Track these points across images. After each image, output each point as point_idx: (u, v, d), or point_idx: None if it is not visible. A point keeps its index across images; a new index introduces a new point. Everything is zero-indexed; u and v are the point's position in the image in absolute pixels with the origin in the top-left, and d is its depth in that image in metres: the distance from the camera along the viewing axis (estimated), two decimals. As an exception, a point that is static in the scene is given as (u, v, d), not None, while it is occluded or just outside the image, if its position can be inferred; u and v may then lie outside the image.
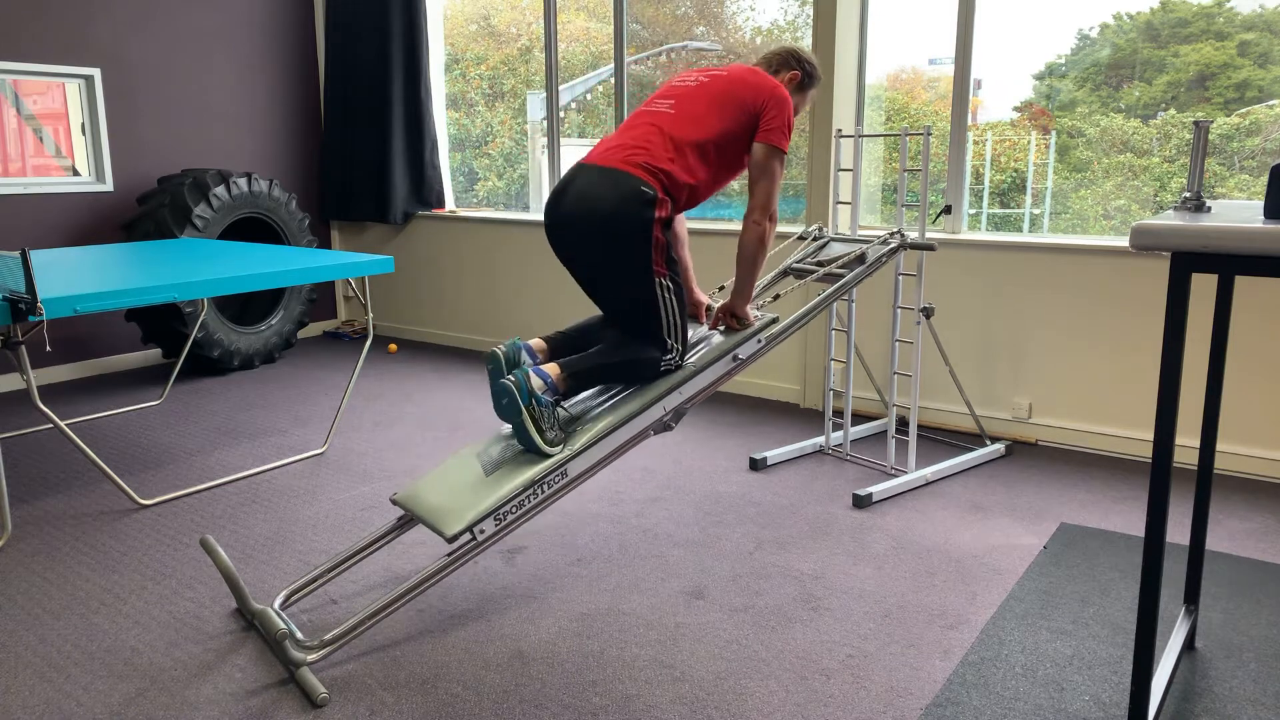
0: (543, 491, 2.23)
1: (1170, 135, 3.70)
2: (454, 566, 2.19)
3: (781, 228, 4.35)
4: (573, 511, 3.08)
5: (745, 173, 2.52)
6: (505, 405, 2.25)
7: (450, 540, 2.12)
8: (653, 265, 2.33)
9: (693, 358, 2.52)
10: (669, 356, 2.43)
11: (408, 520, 2.43)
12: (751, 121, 2.43)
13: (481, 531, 2.15)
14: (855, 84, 4.15)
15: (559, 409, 2.40)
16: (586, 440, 2.28)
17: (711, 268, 4.55)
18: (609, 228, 2.29)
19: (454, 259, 5.66)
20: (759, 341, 2.60)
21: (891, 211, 4.29)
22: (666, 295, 2.38)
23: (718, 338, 2.59)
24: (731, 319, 2.61)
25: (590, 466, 2.30)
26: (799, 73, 2.65)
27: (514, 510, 2.19)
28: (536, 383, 2.28)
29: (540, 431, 2.25)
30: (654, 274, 2.34)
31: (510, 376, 2.26)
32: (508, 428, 2.45)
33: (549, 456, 2.26)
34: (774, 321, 2.63)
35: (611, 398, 2.45)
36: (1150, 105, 3.73)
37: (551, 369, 2.33)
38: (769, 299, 3.04)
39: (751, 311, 2.62)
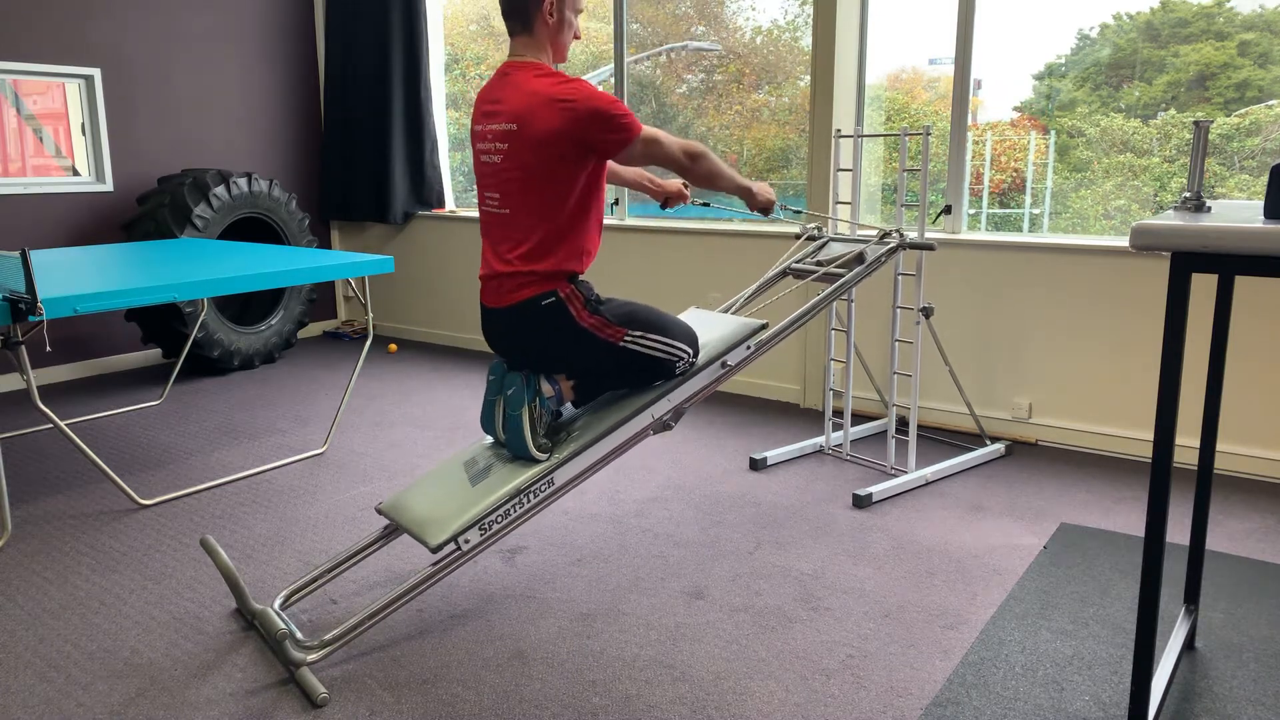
0: (529, 500, 2.21)
1: (1170, 135, 3.70)
2: (453, 567, 2.19)
3: (781, 227, 4.35)
4: (573, 511, 3.08)
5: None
6: (511, 396, 2.25)
7: (434, 550, 2.11)
8: (602, 338, 2.29)
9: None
10: (681, 362, 2.41)
11: (393, 530, 2.42)
12: (576, 147, 2.16)
13: (466, 541, 2.13)
14: (855, 84, 4.15)
15: (556, 416, 2.39)
16: (574, 448, 2.26)
17: (712, 267, 4.55)
18: (547, 352, 2.30)
19: (454, 259, 5.66)
20: (747, 348, 2.56)
21: (891, 211, 4.29)
22: (636, 341, 2.32)
23: (719, 334, 2.59)
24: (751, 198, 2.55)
25: (577, 475, 2.28)
26: None
27: (499, 520, 2.17)
28: (545, 386, 2.29)
29: (533, 433, 2.25)
30: (608, 340, 2.29)
31: (521, 374, 2.28)
32: (489, 439, 2.44)
33: (536, 463, 2.24)
34: (763, 328, 2.60)
35: (599, 404, 2.44)
36: (1150, 105, 3.73)
37: (561, 379, 2.35)
38: (766, 303, 3.05)
39: (755, 186, 2.54)
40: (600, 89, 2.21)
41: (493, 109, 2.26)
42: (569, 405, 2.47)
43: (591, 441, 2.28)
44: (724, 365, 2.51)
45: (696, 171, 2.36)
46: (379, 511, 2.35)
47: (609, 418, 2.33)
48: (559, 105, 2.13)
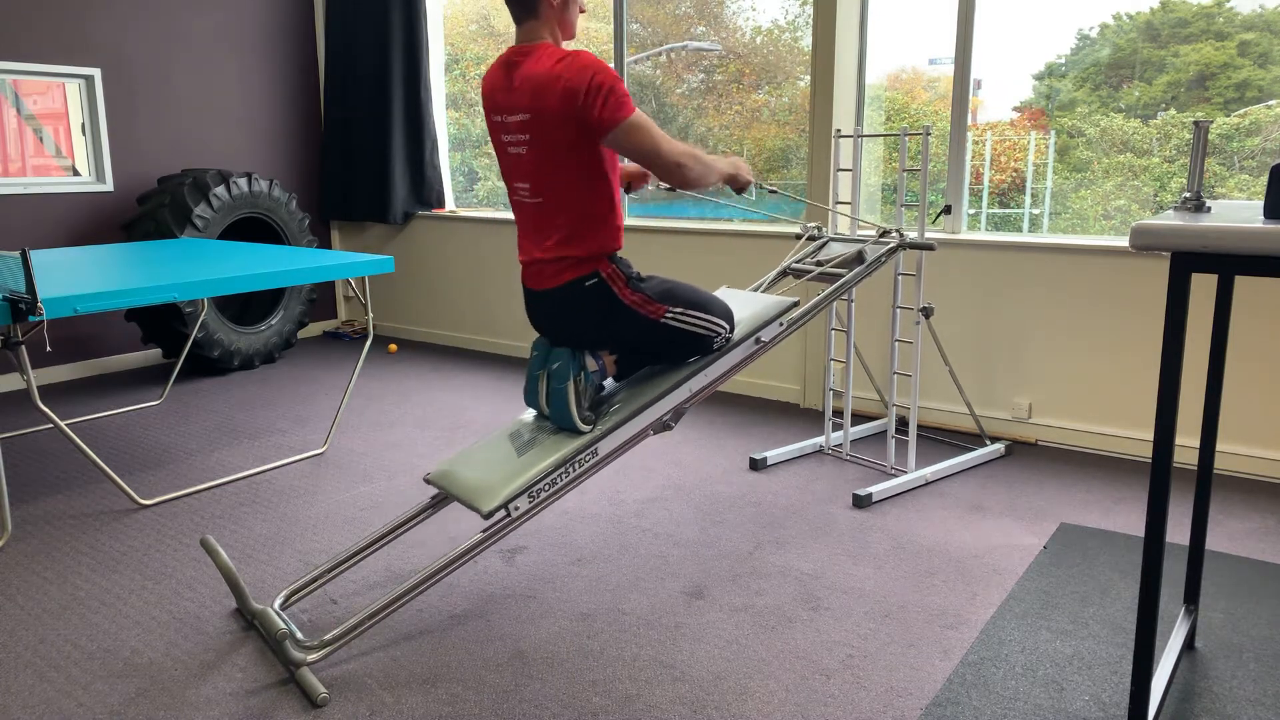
0: (574, 469, 2.27)
1: (1170, 135, 3.70)
2: (454, 566, 2.19)
3: (781, 227, 4.35)
4: (573, 511, 3.08)
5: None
6: (557, 370, 2.30)
7: (486, 517, 2.16)
8: (644, 315, 2.33)
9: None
10: (718, 337, 2.46)
11: (442, 499, 2.46)
12: (580, 126, 2.15)
13: (516, 508, 2.19)
14: (855, 84, 4.15)
15: (599, 390, 2.45)
16: (616, 420, 2.33)
17: (712, 267, 4.55)
18: (591, 331, 2.34)
19: (454, 259, 5.66)
20: (780, 325, 2.63)
21: (891, 211, 4.29)
22: (677, 318, 2.37)
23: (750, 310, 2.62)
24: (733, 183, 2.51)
25: (619, 446, 2.34)
26: None
27: (547, 488, 2.23)
28: (590, 361, 2.35)
29: (579, 405, 2.30)
30: (650, 317, 2.34)
31: (566, 349, 2.33)
32: (531, 413, 2.50)
33: (580, 434, 2.30)
34: (795, 305, 2.66)
35: (636, 379, 2.51)
36: (1150, 105, 3.73)
37: (604, 354, 2.40)
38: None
39: (739, 164, 2.49)
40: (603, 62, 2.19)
41: (507, 101, 2.25)
42: (610, 380, 2.52)
43: (633, 413, 2.35)
44: (758, 341, 2.58)
45: (682, 179, 2.26)
46: (428, 481, 2.38)
47: (649, 391, 2.40)
48: (559, 85, 2.12)
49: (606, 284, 2.29)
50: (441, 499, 2.46)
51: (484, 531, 2.21)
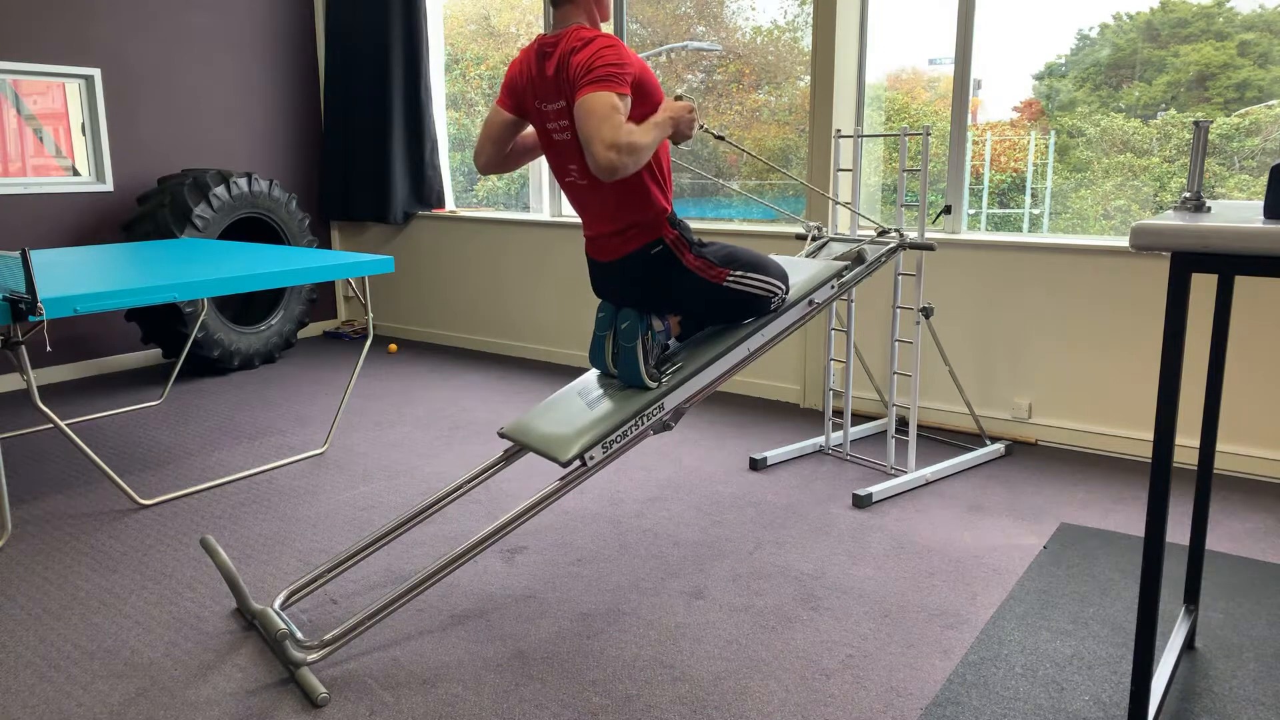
0: (643, 422, 2.36)
1: (1170, 135, 3.70)
2: (454, 566, 2.19)
3: (782, 227, 4.35)
4: (573, 511, 3.08)
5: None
6: (625, 329, 2.39)
7: (564, 465, 2.24)
8: (708, 279, 2.42)
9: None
10: (775, 298, 2.56)
11: (516, 451, 2.54)
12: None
13: (591, 458, 2.28)
14: (855, 84, 4.15)
15: (664, 349, 2.52)
16: (682, 376, 2.42)
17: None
18: (656, 295, 2.42)
19: (454, 259, 5.66)
20: (831, 287, 2.76)
21: (892, 211, 4.29)
22: (738, 280, 2.45)
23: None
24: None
25: (685, 400, 2.43)
26: None
27: (619, 439, 2.32)
28: (655, 321, 2.43)
29: (646, 362, 2.39)
30: (713, 281, 2.42)
31: (633, 310, 2.41)
32: (595, 373, 2.60)
33: (648, 390, 2.38)
34: (845, 269, 2.79)
35: (697, 339, 2.60)
36: (1150, 105, 3.73)
37: (669, 315, 2.50)
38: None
39: (676, 109, 2.32)
40: (626, 50, 2.21)
41: (544, 89, 2.29)
42: (673, 340, 2.61)
43: (697, 370, 2.45)
44: (811, 303, 2.70)
45: (607, 175, 2.07)
46: (502, 434, 2.47)
47: (710, 350, 2.50)
48: (573, 70, 2.18)
49: (671, 250, 2.37)
50: (516, 451, 2.55)
51: (561, 479, 2.30)
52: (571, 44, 2.22)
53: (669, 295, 2.42)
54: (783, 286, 2.56)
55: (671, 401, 2.41)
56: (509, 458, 2.56)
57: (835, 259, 3.20)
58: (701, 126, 2.50)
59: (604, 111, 2.06)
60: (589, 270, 2.53)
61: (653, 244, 2.36)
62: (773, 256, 2.90)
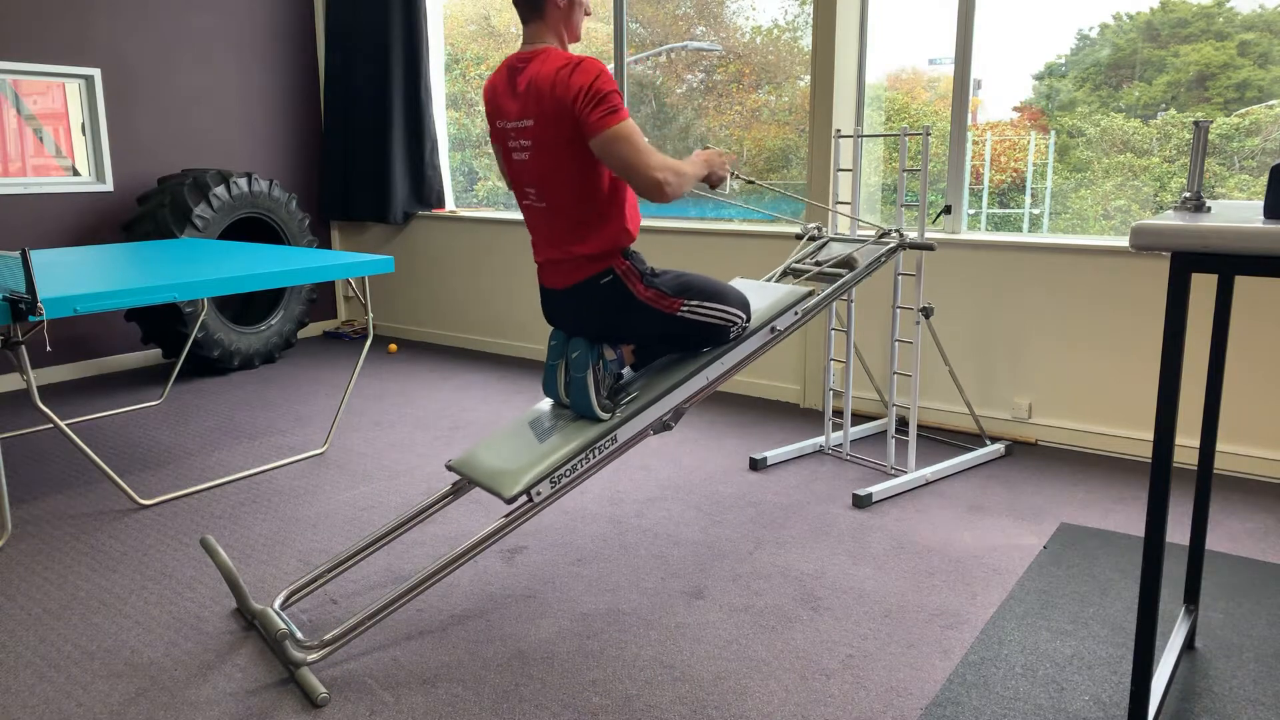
0: (594, 455, 2.31)
1: (1170, 135, 3.70)
2: (454, 566, 2.19)
3: (782, 227, 4.35)
4: (573, 511, 3.08)
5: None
6: (576, 359, 2.33)
7: (509, 501, 2.18)
8: (660, 309, 2.36)
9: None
10: (734, 327, 2.49)
11: (463, 486, 2.48)
12: (574, 126, 2.15)
13: (538, 493, 2.22)
14: (855, 84, 4.15)
15: (618, 379, 2.48)
16: (635, 407, 2.37)
17: (713, 267, 4.55)
18: (607, 326, 2.36)
19: (454, 259, 5.66)
20: (795, 314, 2.66)
21: (892, 211, 4.29)
22: (693, 310, 2.39)
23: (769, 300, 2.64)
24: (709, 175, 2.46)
25: (638, 433, 2.38)
26: None
27: (568, 474, 2.26)
28: (608, 350, 2.38)
29: (598, 393, 2.33)
30: (666, 311, 2.36)
31: (583, 339, 2.36)
32: (549, 402, 2.53)
33: (600, 421, 2.33)
34: (810, 294, 2.69)
35: (653, 368, 2.55)
36: (1150, 105, 3.73)
37: (622, 345, 2.44)
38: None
39: (710, 158, 2.42)
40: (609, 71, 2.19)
41: (510, 106, 2.27)
42: (628, 369, 2.55)
43: (651, 401, 2.39)
44: (773, 330, 2.61)
45: (659, 197, 2.19)
46: (449, 467, 2.40)
47: (666, 379, 2.44)
48: (561, 88, 2.14)
49: (621, 281, 2.32)
50: (463, 485, 2.49)
51: (506, 516, 2.23)
52: (548, 66, 2.17)
53: (621, 326, 2.36)
54: (742, 315, 2.49)
55: (625, 433, 2.34)
56: (457, 491, 2.49)
57: (833, 263, 3.20)
58: (734, 174, 2.57)
59: (639, 139, 2.16)
60: (541, 298, 2.46)
61: (602, 274, 2.30)
62: (735, 282, 2.87)
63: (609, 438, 2.32)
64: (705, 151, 2.42)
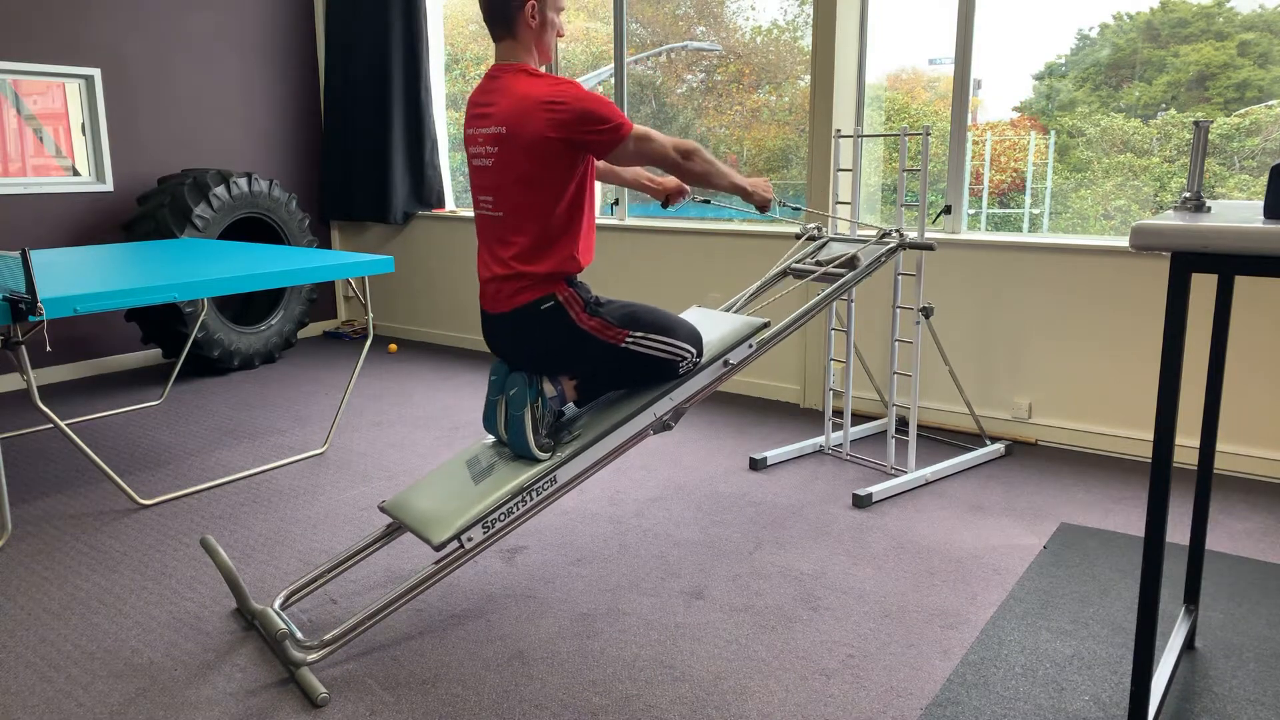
0: (532, 498, 2.22)
1: (1170, 135, 3.70)
2: (454, 566, 2.19)
3: (781, 227, 4.35)
4: (573, 511, 3.08)
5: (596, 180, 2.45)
6: (514, 396, 2.26)
7: (437, 549, 2.11)
8: (604, 340, 2.29)
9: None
10: (684, 361, 2.40)
11: (396, 528, 2.43)
12: (567, 149, 2.17)
13: (469, 539, 2.13)
14: (855, 84, 4.15)
15: (559, 416, 2.40)
16: (576, 447, 2.28)
17: (712, 267, 4.55)
18: (548, 355, 2.30)
19: (454, 259, 5.66)
20: (749, 346, 2.56)
21: (892, 211, 4.29)
22: (639, 343, 2.32)
23: (721, 330, 2.58)
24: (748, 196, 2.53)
25: (579, 473, 2.29)
26: None
27: (502, 517, 2.18)
28: (548, 386, 2.30)
29: (536, 432, 2.26)
30: (610, 342, 2.30)
31: (524, 374, 2.29)
32: (492, 438, 2.46)
33: (539, 462, 2.25)
34: (765, 326, 2.60)
35: (600, 404, 2.45)
36: (1150, 105, 3.73)
37: (564, 379, 2.36)
38: (766, 302, 3.04)
39: (751, 183, 2.49)
40: (593, 90, 2.22)
41: (483, 112, 2.27)
42: (571, 405, 2.47)
43: (593, 440, 2.29)
44: (726, 364, 2.51)
45: (689, 169, 2.33)
46: (382, 510, 2.35)
47: (611, 417, 2.34)
48: (549, 108, 2.14)
49: (563, 308, 2.25)
50: (396, 528, 2.42)
51: (436, 564, 2.16)
52: (523, 83, 2.19)
53: (561, 357, 2.29)
54: (692, 350, 2.39)
55: (565, 474, 2.25)
56: (390, 534, 2.43)
57: (834, 263, 3.20)
58: (781, 203, 2.69)
59: (657, 133, 2.29)
60: (481, 322, 2.39)
61: (543, 299, 2.24)
62: (687, 314, 2.79)
63: (548, 479, 2.23)
64: (760, 179, 2.54)
